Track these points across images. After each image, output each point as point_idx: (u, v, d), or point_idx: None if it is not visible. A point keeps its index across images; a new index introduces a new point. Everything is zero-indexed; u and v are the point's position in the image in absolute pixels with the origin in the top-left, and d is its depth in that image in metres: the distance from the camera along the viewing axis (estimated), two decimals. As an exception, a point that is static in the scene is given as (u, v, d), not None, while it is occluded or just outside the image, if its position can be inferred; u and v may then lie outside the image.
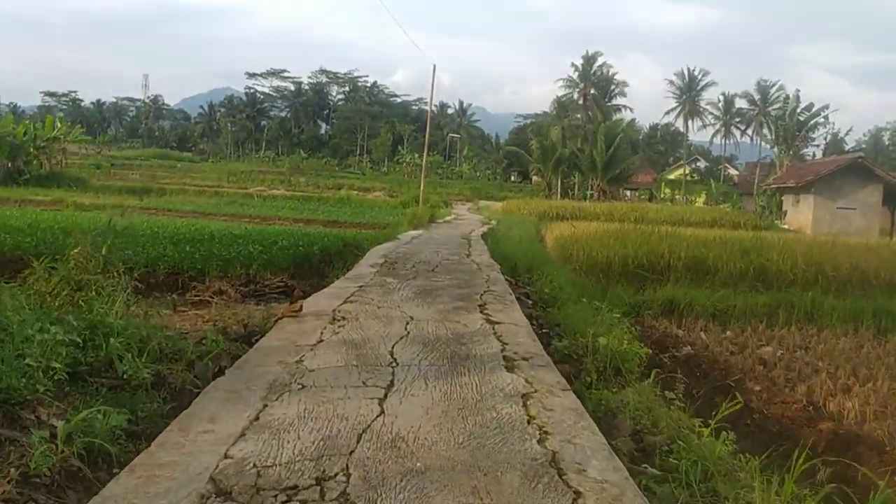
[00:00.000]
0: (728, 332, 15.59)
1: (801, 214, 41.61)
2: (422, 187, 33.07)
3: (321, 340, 6.62)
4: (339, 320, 7.50)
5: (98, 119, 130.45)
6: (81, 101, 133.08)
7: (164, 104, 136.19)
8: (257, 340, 6.74)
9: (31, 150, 50.73)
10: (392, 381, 5.37)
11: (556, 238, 24.30)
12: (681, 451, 4.94)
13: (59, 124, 53.60)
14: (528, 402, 5.05)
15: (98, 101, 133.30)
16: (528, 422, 4.65)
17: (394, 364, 5.88)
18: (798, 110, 51.86)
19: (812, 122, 53.01)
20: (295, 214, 32.86)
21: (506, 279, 14.46)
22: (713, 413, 5.69)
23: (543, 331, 10.87)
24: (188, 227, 18.97)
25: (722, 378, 11.34)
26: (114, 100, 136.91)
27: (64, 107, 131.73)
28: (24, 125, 50.96)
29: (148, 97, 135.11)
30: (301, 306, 7.75)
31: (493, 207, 50.34)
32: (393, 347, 6.46)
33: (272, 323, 7.49)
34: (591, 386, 6.96)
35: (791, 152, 54.40)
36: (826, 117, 53.82)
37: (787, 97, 53.15)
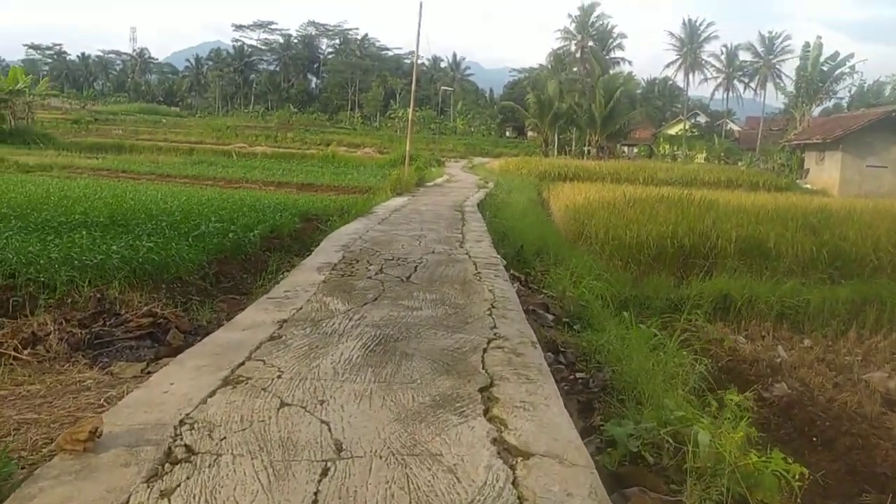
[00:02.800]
0: (807, 341, 11.47)
1: (825, 173, 37.24)
2: (408, 147, 28.52)
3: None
4: (176, 465, 3.29)
5: (84, 73, 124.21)
6: (67, 54, 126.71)
7: (150, 58, 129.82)
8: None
9: (-8, 103, 45.86)
10: None
11: (566, 207, 20.00)
12: None
13: (21, 77, 48.53)
14: None
15: (83, 54, 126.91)
16: None
17: None
18: (822, 60, 46.92)
19: (837, 72, 48.06)
20: (266, 177, 28.45)
21: (513, 276, 10.27)
22: None
23: (578, 377, 6.76)
24: (99, 198, 14.63)
25: (852, 443, 7.20)
26: (100, 53, 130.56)
27: (49, 60, 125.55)
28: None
29: (135, 50, 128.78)
30: (98, 430, 3.45)
31: (488, 166, 45.82)
32: None
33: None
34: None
35: (814, 105, 49.53)
36: (853, 67, 48.91)
37: (808, 45, 48.10)
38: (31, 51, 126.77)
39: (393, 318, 6.07)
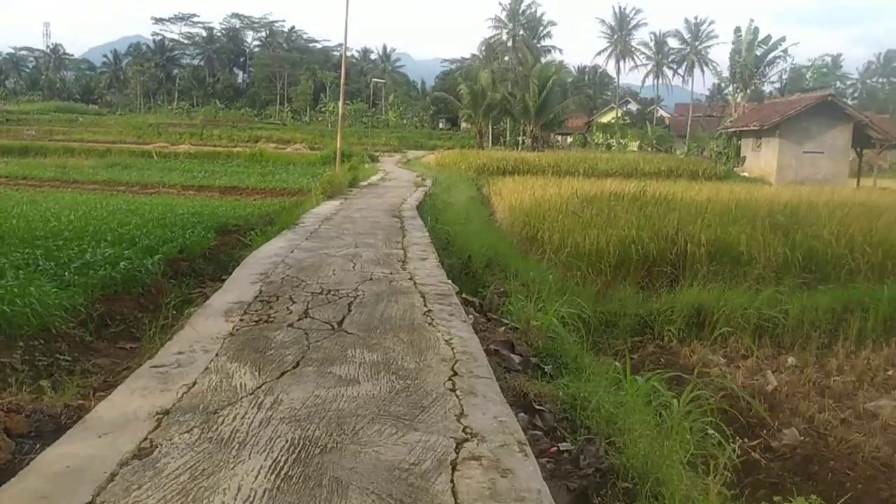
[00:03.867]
0: (791, 359, 10.22)
1: (762, 160, 36.75)
2: (338, 143, 26.54)
3: None
4: None
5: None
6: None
7: (66, 54, 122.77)
8: None
9: None
10: None
11: (511, 208, 18.51)
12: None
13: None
14: None
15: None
16: None
17: None
18: (756, 43, 46.58)
19: (770, 56, 47.81)
20: (186, 180, 26.17)
21: (465, 301, 8.68)
22: None
23: (562, 449, 5.21)
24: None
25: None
26: (11, 50, 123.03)
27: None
28: None
29: (48, 46, 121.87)
30: None
31: (424, 160, 44.13)
32: None
33: None
34: None
35: (748, 91, 49.28)
36: (785, 51, 48.70)
37: (739, 29, 47.84)
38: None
39: (319, 402, 4.34)
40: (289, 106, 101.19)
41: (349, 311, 6.74)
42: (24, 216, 13.06)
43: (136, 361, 6.28)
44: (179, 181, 25.72)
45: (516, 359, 7.13)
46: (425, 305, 7.03)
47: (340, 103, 27.57)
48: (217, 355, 5.34)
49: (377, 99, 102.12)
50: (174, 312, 8.80)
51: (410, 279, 8.45)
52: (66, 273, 8.03)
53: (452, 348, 5.55)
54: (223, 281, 10.28)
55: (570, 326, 8.53)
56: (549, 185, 23.00)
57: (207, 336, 5.86)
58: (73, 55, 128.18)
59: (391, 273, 8.76)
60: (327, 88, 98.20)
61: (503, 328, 8.16)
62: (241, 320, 6.38)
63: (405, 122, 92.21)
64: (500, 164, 35.03)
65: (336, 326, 6.16)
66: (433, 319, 6.46)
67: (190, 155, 41.99)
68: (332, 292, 7.54)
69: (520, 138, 71.21)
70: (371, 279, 8.33)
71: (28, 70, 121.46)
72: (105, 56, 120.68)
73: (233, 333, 5.94)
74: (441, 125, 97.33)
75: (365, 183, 25.73)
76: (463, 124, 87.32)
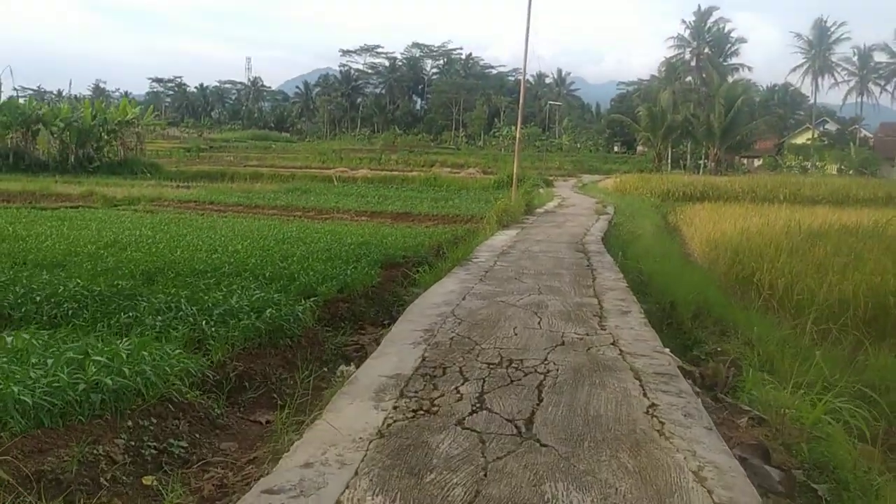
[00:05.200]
0: None
1: None
2: (515, 169, 24.92)
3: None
4: None
5: (202, 103, 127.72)
6: (187, 86, 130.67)
7: (263, 86, 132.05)
8: None
9: (102, 135, 45.54)
10: None
11: (710, 241, 15.88)
12: None
13: (130, 109, 48.23)
14: None
15: (202, 85, 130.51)
16: None
17: None
18: None
19: None
20: (360, 205, 25.55)
21: (682, 370, 6.52)
22: None
23: None
24: (151, 243, 11.78)
25: None
26: (217, 84, 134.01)
27: (170, 92, 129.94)
28: (89, 108, 45.74)
29: (249, 80, 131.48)
30: None
31: (601, 185, 41.61)
32: None
33: None
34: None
35: None
36: None
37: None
38: (154, 84, 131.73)
39: None
40: (463, 131, 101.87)
41: (539, 399, 4.84)
42: (191, 246, 12.41)
43: (267, 449, 4.79)
44: (354, 206, 25.16)
45: (775, 474, 4.92)
46: (645, 395, 4.99)
47: (518, 126, 25.98)
48: (357, 475, 3.65)
49: (551, 123, 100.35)
50: (325, 370, 7.41)
51: (613, 344, 6.43)
52: (206, 321, 6.80)
53: (710, 492, 3.49)
54: (385, 327, 8.83)
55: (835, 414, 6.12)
56: (751, 214, 19.96)
57: (348, 435, 4.19)
58: (270, 87, 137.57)
59: (587, 334, 6.78)
60: (501, 113, 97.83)
61: (745, 419, 5.93)
62: (396, 408, 4.68)
63: (579, 145, 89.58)
64: (686, 190, 31.91)
65: (523, 430, 4.28)
66: (663, 425, 4.42)
67: (367, 180, 42.21)
68: (513, 364, 5.69)
69: (701, 161, 66.48)
70: (563, 343, 6.40)
71: (231, 101, 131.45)
72: (297, 87, 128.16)
73: (382, 433, 4.24)
74: (616, 148, 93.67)
75: (541, 210, 23.87)
76: (639, 147, 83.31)
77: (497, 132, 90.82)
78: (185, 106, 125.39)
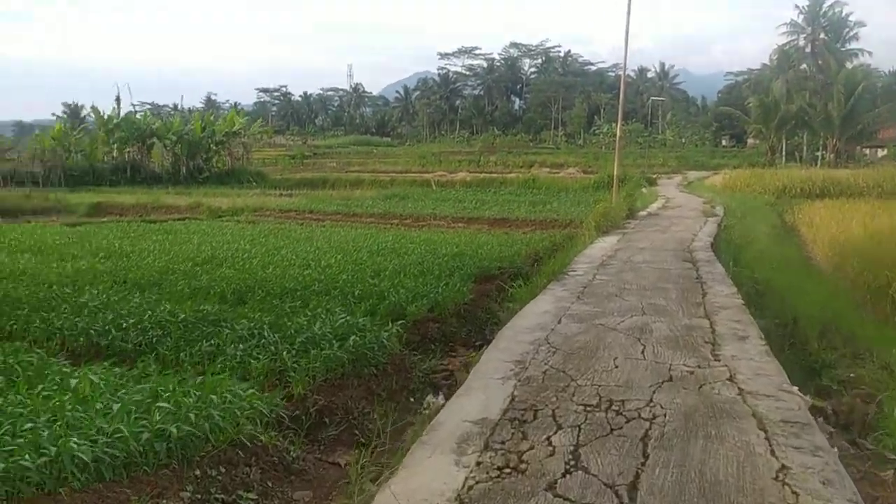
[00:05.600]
0: None
1: None
2: (615, 170, 23.85)
3: None
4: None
5: (306, 111, 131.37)
6: (291, 95, 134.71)
7: (364, 92, 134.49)
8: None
9: (211, 146, 47.34)
10: None
11: (835, 243, 14.50)
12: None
13: (237, 120, 49.90)
14: None
15: (305, 93, 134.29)
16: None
17: None
18: None
19: None
20: (457, 211, 25.22)
21: (813, 409, 5.70)
22: None
23: None
24: (247, 257, 11.76)
25: None
26: (320, 91, 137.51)
27: (276, 102, 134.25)
28: (199, 121, 47.59)
29: (351, 86, 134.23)
30: None
31: (708, 182, 39.62)
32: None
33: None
34: None
35: None
36: None
37: None
38: (261, 94, 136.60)
39: None
40: (562, 130, 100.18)
41: (644, 456, 4.19)
42: (284, 261, 12.33)
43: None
44: (451, 212, 24.83)
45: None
46: (772, 452, 4.25)
47: (619, 124, 24.91)
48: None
49: (653, 118, 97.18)
50: (411, 401, 6.98)
51: (730, 380, 5.66)
52: (288, 350, 6.50)
53: None
54: (477, 348, 8.33)
55: None
56: (880, 213, 18.21)
57: (423, 501, 3.70)
58: (371, 93, 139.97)
59: (699, 367, 6.03)
60: (602, 110, 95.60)
61: (891, 473, 5.05)
62: (479, 463, 4.16)
63: (684, 140, 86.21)
64: (804, 186, 29.77)
65: (626, 501, 3.66)
66: (797, 497, 3.68)
67: (466, 183, 41.86)
68: (614, 406, 5.05)
69: (818, 153, 62.44)
70: (671, 379, 5.69)
71: (333, 108, 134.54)
72: (397, 92, 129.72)
73: (462, 500, 3.72)
74: (724, 143, 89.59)
75: (644, 212, 22.76)
76: (749, 141, 79.25)
77: (597, 130, 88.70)
78: (290, 114, 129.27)
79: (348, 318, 7.52)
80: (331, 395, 6.22)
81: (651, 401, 5.16)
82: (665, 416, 4.86)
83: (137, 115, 50.35)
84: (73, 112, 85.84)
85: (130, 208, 27.19)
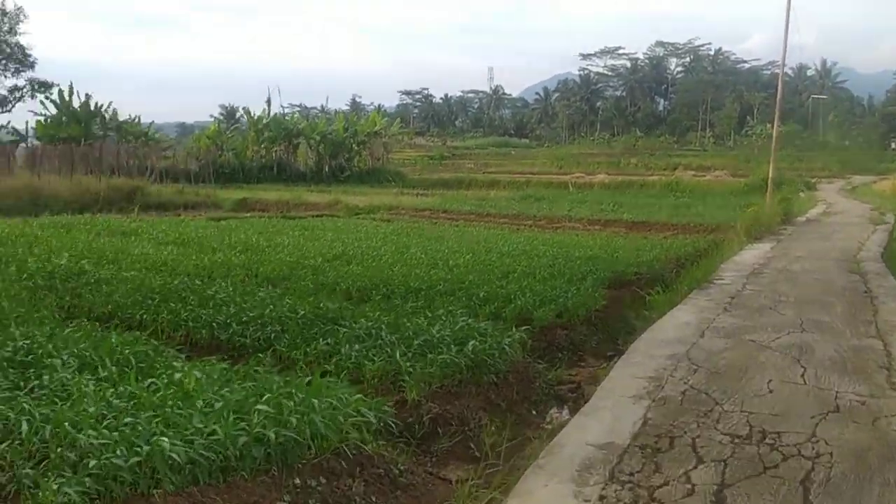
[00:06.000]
0: None
1: None
2: (770, 172, 22.09)
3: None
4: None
5: (447, 113, 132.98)
6: (433, 97, 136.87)
7: (504, 94, 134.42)
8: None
9: (353, 146, 48.67)
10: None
11: None
12: None
13: (378, 121, 51.05)
14: None
15: (446, 95, 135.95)
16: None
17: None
18: None
19: None
20: (593, 213, 24.35)
21: None
22: None
23: None
24: (375, 255, 11.64)
25: None
26: (460, 94, 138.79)
27: (418, 104, 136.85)
28: (342, 121, 49.02)
29: (491, 88, 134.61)
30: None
31: (875, 187, 36.17)
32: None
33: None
34: None
35: None
36: None
37: None
38: (403, 96, 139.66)
39: None
40: (710, 131, 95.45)
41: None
42: (412, 260, 12.13)
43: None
44: (587, 215, 23.97)
45: None
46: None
47: (775, 124, 23.05)
48: None
49: (814, 119, 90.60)
50: (533, 413, 6.47)
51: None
52: (404, 353, 6.17)
53: None
54: (608, 359, 7.69)
55: None
56: None
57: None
58: (510, 94, 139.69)
59: (872, 396, 5.12)
60: (755, 110, 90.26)
61: None
62: (603, 498, 3.59)
63: (847, 143, 79.71)
64: None
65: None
66: None
67: (604, 185, 40.63)
68: (767, 440, 4.31)
69: None
70: (837, 409, 4.84)
71: (473, 110, 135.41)
72: (537, 93, 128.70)
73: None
74: (893, 146, 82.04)
75: (802, 218, 20.90)
76: (925, 143, 72.15)
77: (749, 131, 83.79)
78: (430, 116, 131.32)
79: (469, 321, 7.09)
80: (446, 403, 5.81)
81: (813, 435, 4.37)
82: (831, 454, 4.08)
83: (285, 117, 52.58)
84: (229, 113, 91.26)
85: (273, 204, 28.25)
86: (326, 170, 46.70)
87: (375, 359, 6.04)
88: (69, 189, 23.81)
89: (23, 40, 43.59)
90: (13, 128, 44.31)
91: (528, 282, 10.09)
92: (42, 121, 42.09)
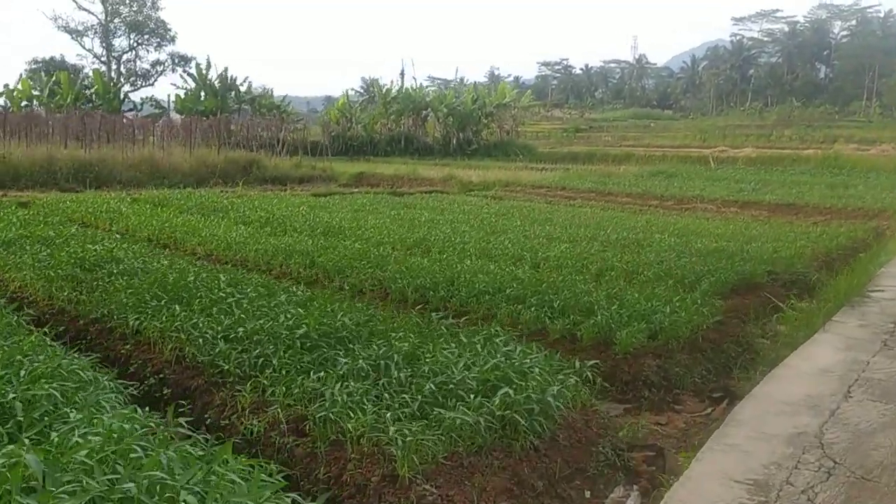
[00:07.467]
0: None
1: None
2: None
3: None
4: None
5: (586, 84, 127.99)
6: (572, 68, 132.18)
7: (648, 63, 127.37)
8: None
9: (481, 119, 46.94)
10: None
11: None
12: None
13: (508, 93, 48.96)
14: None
15: (586, 66, 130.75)
16: None
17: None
18: None
19: None
20: (730, 193, 21.49)
21: None
22: None
23: None
24: (459, 242, 9.87)
25: None
26: (601, 64, 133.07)
27: (557, 75, 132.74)
28: (471, 93, 47.33)
29: (634, 58, 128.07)
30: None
31: None
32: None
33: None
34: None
35: None
36: None
37: None
38: (542, 67, 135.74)
39: None
40: (877, 101, 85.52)
41: None
42: (492, 252, 10.31)
43: None
44: (722, 194, 21.03)
45: None
46: None
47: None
48: None
49: None
50: (587, 496, 4.56)
51: None
52: (406, 402, 4.44)
53: None
54: (715, 402, 5.64)
55: None
56: None
57: None
58: (655, 64, 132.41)
59: None
60: (934, 77, 79.84)
61: None
62: None
63: None
64: None
65: None
66: None
67: (750, 160, 36.58)
68: None
69: None
70: None
71: (614, 81, 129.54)
72: (684, 62, 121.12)
73: None
74: None
75: None
76: None
77: (925, 100, 74.19)
78: (570, 87, 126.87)
79: (508, 349, 5.22)
80: (452, 485, 4.04)
81: None
82: None
83: (417, 89, 51.62)
84: (369, 86, 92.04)
85: (387, 179, 27.10)
86: (454, 143, 45.32)
87: (364, 410, 4.34)
88: (187, 162, 23.76)
89: (163, 15, 45.05)
90: (156, 100, 46.19)
91: (623, 286, 8.04)
92: (181, 94, 43.49)
